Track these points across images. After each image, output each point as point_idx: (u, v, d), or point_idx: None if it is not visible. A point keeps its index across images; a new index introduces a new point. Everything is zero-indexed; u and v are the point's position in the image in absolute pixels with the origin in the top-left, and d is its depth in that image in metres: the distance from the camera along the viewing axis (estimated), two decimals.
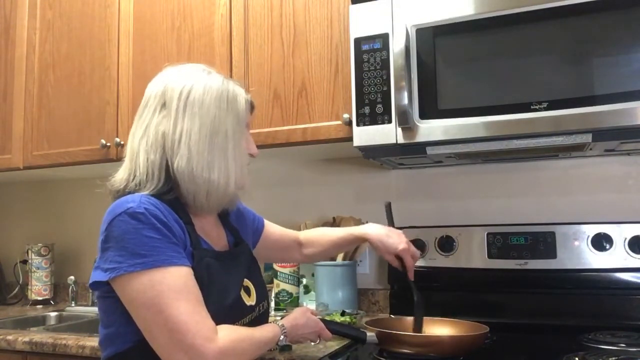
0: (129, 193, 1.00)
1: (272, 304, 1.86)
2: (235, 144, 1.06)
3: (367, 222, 1.85)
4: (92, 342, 1.53)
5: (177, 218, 1.00)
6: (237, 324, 1.03)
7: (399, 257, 1.35)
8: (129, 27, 1.98)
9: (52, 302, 2.40)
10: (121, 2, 2.00)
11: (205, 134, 1.03)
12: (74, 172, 2.30)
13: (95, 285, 0.96)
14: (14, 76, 2.19)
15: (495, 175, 1.82)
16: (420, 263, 1.61)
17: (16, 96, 2.17)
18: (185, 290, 0.92)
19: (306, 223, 1.92)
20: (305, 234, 1.47)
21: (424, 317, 1.36)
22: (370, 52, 1.51)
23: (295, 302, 1.93)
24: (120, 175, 1.05)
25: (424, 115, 1.45)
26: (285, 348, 1.31)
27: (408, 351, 1.24)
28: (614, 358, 1.19)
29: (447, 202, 1.87)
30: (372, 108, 1.50)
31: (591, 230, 1.56)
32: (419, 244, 1.68)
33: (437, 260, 1.69)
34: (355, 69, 1.53)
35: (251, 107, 1.16)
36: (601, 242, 1.54)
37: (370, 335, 1.28)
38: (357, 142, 1.52)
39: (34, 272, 2.36)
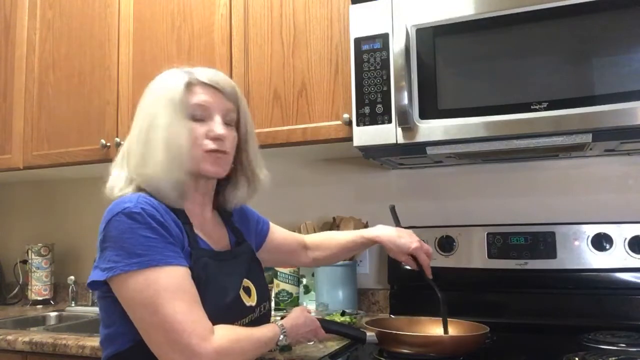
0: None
1: (272, 304, 1.86)
2: (172, 133, 1.01)
3: (367, 222, 1.87)
4: (92, 342, 1.53)
5: (174, 218, 1.00)
6: (236, 324, 1.02)
7: (412, 257, 1.34)
8: (129, 27, 1.98)
9: (52, 302, 2.40)
10: (121, 2, 2.00)
11: (140, 130, 1.05)
12: (74, 172, 2.30)
13: (93, 284, 0.96)
14: (14, 76, 2.19)
15: (495, 175, 1.82)
16: None
17: (16, 96, 2.17)
18: (181, 289, 0.92)
19: (306, 223, 1.92)
20: (312, 238, 1.45)
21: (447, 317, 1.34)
22: (370, 52, 1.51)
23: (295, 302, 1.93)
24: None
25: (424, 115, 1.45)
26: (285, 348, 1.30)
27: (408, 351, 1.24)
28: (614, 358, 1.19)
29: (447, 202, 1.87)
30: (372, 108, 1.50)
31: (591, 230, 1.56)
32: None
33: (437, 260, 1.69)
34: (355, 69, 1.53)
35: (204, 85, 1.06)
36: (601, 242, 1.54)
37: (370, 335, 1.28)
38: (357, 142, 1.52)
39: (34, 272, 2.36)
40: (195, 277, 0.97)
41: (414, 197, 1.91)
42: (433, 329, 1.36)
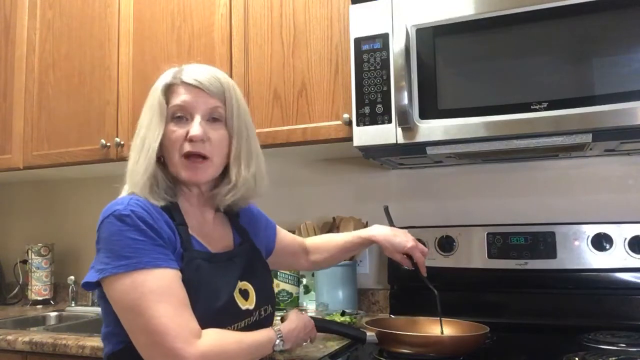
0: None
1: None
2: (148, 134, 1.02)
3: (367, 222, 1.87)
4: (92, 342, 1.53)
5: (167, 219, 1.00)
6: (230, 328, 1.01)
7: (408, 256, 1.34)
8: (129, 27, 1.98)
9: (52, 302, 2.40)
10: (121, 2, 2.00)
11: (137, 134, 1.05)
12: (74, 172, 2.30)
13: (87, 285, 0.97)
14: (14, 76, 2.19)
15: (495, 175, 1.82)
16: None
17: (16, 96, 2.17)
18: (167, 292, 0.91)
19: (306, 223, 1.92)
20: (312, 241, 1.44)
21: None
22: (370, 52, 1.51)
23: (295, 302, 1.93)
24: None
25: (424, 115, 1.45)
26: (283, 352, 1.29)
27: (408, 351, 1.24)
28: (614, 358, 1.19)
29: (447, 202, 1.87)
30: (372, 108, 1.50)
31: (591, 230, 1.56)
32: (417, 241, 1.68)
33: (437, 260, 1.69)
34: (355, 69, 1.53)
35: (186, 84, 1.04)
36: (601, 242, 1.54)
37: (370, 335, 1.28)
38: (357, 142, 1.52)
39: (34, 272, 2.36)
40: (187, 280, 0.96)
41: (414, 197, 1.91)
42: (433, 329, 1.36)
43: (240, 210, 1.20)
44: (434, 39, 1.45)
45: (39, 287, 2.36)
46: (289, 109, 1.72)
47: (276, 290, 1.90)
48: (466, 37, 1.43)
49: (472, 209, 1.83)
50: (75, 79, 2.08)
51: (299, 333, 1.11)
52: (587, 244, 1.55)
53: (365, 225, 1.86)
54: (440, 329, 1.32)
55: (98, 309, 2.11)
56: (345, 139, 1.60)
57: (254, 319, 1.08)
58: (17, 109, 2.17)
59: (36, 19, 2.18)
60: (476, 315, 1.42)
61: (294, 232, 1.88)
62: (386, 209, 1.44)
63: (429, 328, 1.37)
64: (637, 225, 1.53)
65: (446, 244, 1.70)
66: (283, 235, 1.36)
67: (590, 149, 1.52)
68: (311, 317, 1.23)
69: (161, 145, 1.02)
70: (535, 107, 1.34)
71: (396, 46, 1.43)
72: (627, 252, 1.52)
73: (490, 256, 1.65)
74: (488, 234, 1.66)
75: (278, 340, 1.04)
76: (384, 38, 1.50)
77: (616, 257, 1.52)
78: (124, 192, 1.04)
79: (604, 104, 1.28)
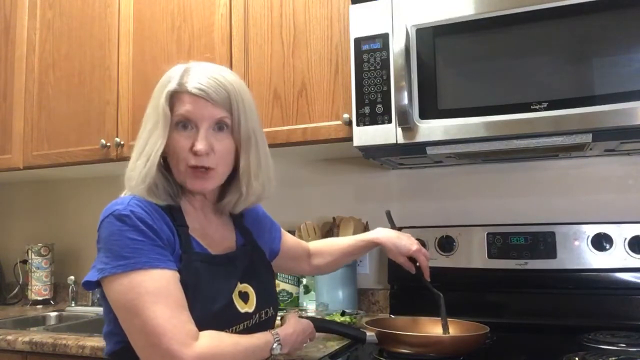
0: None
1: None
2: (151, 138, 1.00)
3: (367, 222, 1.87)
4: (92, 342, 1.53)
5: (168, 221, 0.99)
6: (228, 331, 1.00)
7: (411, 259, 1.34)
8: (129, 27, 1.98)
9: (52, 302, 2.40)
10: (121, 2, 2.00)
11: (140, 135, 1.04)
12: (74, 172, 2.30)
13: (87, 284, 0.97)
14: (14, 76, 2.19)
15: (495, 175, 1.82)
16: None
17: (16, 96, 2.18)
18: (165, 293, 0.91)
19: (306, 223, 1.92)
20: (314, 245, 1.42)
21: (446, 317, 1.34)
22: (370, 52, 1.51)
23: (295, 302, 1.93)
24: None
25: (424, 115, 1.45)
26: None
27: (408, 351, 1.24)
28: (614, 358, 1.19)
29: (447, 202, 1.87)
30: (372, 108, 1.50)
31: (591, 230, 1.56)
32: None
33: (437, 260, 1.69)
34: (355, 69, 1.53)
35: (191, 93, 1.00)
36: (601, 242, 1.54)
37: (370, 335, 1.28)
38: (357, 142, 1.52)
39: (34, 272, 2.36)
40: (185, 282, 0.95)
41: (414, 197, 1.91)
42: (433, 329, 1.36)
43: (245, 211, 1.18)
44: (434, 39, 1.45)
45: (39, 287, 2.36)
46: (289, 109, 1.72)
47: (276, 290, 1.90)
48: (466, 37, 1.43)
49: (472, 209, 1.83)
50: (75, 79, 2.08)
51: (297, 337, 1.10)
52: (587, 244, 1.55)
53: (365, 225, 1.86)
54: (446, 330, 1.31)
55: (98, 309, 2.13)
56: (345, 139, 1.60)
57: (254, 321, 1.07)
58: (17, 109, 2.17)
59: (36, 19, 2.18)
60: (476, 315, 1.42)
61: (294, 232, 1.88)
62: (388, 214, 1.44)
63: (429, 328, 1.37)
64: (637, 225, 1.53)
65: (446, 244, 1.70)
66: (287, 238, 1.35)
67: (590, 149, 1.52)
68: (311, 317, 1.23)
69: (165, 151, 1.01)
70: (535, 107, 1.34)
71: (396, 46, 1.43)
72: (627, 252, 1.52)
73: (490, 256, 1.65)
74: (488, 234, 1.66)
75: (276, 344, 1.03)
76: (384, 38, 1.50)
77: (616, 257, 1.52)
78: (125, 193, 1.04)
79: (604, 104, 1.28)
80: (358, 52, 1.53)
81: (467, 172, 1.85)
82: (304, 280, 1.92)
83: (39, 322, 2.11)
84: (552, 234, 1.59)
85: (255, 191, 1.08)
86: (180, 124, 1.00)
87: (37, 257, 2.37)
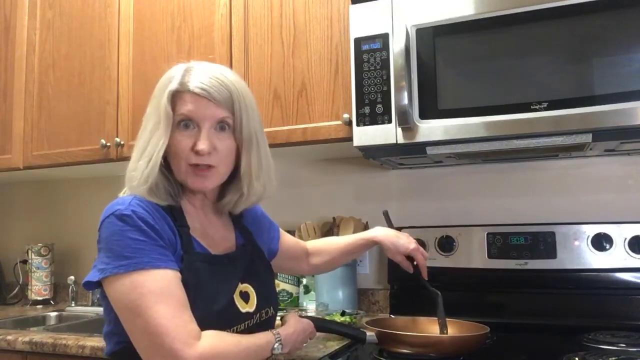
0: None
1: None
2: (153, 138, 0.99)
3: (367, 222, 1.87)
4: (92, 342, 1.53)
5: (169, 221, 0.99)
6: (230, 331, 1.00)
7: (409, 258, 1.35)
8: (129, 27, 1.98)
9: (52, 302, 2.40)
10: (121, 2, 2.00)
11: (140, 135, 1.04)
12: (74, 172, 2.30)
13: (87, 284, 0.97)
14: (14, 76, 2.19)
15: (495, 175, 1.82)
16: None
17: (16, 96, 2.18)
18: (167, 293, 0.91)
19: (306, 223, 1.92)
20: (313, 244, 1.42)
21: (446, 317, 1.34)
22: (370, 52, 1.51)
23: (295, 302, 1.93)
24: None
25: (424, 115, 1.45)
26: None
27: (408, 351, 1.24)
28: (614, 358, 1.19)
29: (447, 202, 1.87)
30: (372, 108, 1.50)
31: (591, 230, 1.56)
32: (419, 243, 1.67)
33: (437, 260, 1.69)
34: (355, 69, 1.53)
35: (193, 93, 1.00)
36: (601, 242, 1.54)
37: (370, 335, 1.28)
38: (357, 142, 1.52)
39: (34, 272, 2.36)
40: (186, 282, 0.95)
41: (414, 197, 1.91)
42: (433, 329, 1.36)
43: (245, 211, 1.18)
44: (434, 39, 1.45)
45: (39, 287, 2.36)
46: (289, 109, 1.72)
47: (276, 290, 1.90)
48: (466, 37, 1.43)
49: (472, 209, 1.83)
50: (75, 79, 2.08)
51: (297, 337, 1.10)
52: (587, 244, 1.55)
53: (365, 225, 1.86)
54: (443, 330, 1.31)
55: (98, 309, 2.13)
56: (345, 139, 1.60)
57: (255, 321, 1.07)
58: (17, 109, 2.17)
59: (36, 19, 2.18)
60: (476, 315, 1.42)
61: (294, 232, 1.89)
62: (386, 214, 1.44)
63: (429, 328, 1.37)
64: (637, 225, 1.53)
65: (446, 244, 1.70)
66: (286, 238, 1.35)
67: (590, 149, 1.52)
68: (311, 317, 1.23)
69: (165, 151, 1.00)
70: (535, 107, 1.34)
71: (396, 46, 1.43)
72: (627, 252, 1.52)
73: (490, 256, 1.65)
74: (488, 234, 1.66)
75: (277, 344, 1.03)
76: (384, 38, 1.50)
77: (616, 257, 1.52)
78: (123, 193, 1.04)
79: (604, 104, 1.28)
80: (358, 52, 1.53)
81: (467, 172, 1.85)
82: (304, 280, 1.92)
83: (39, 322, 2.11)
84: (552, 234, 1.59)
85: (257, 191, 1.09)
86: (182, 123, 1.00)
87: (37, 257, 2.37)
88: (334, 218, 1.92)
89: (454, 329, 1.34)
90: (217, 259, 1.05)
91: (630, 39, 1.28)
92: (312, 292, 1.88)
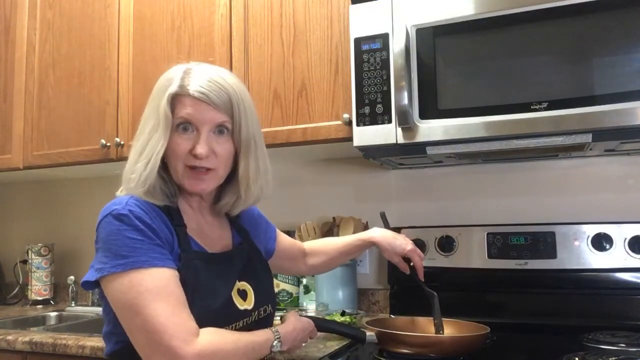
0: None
1: None
2: (151, 140, 0.99)
3: (367, 222, 1.87)
4: (92, 342, 1.53)
5: (166, 220, 1.00)
6: (228, 329, 1.00)
7: (405, 259, 1.35)
8: (129, 27, 1.98)
9: (52, 302, 2.40)
10: (121, 2, 2.00)
11: (137, 137, 1.03)
12: (74, 172, 2.30)
13: (86, 284, 0.97)
14: (14, 76, 2.19)
15: (495, 175, 1.82)
16: None
17: (16, 96, 2.18)
18: (165, 291, 0.91)
19: (306, 223, 1.92)
20: (310, 244, 1.43)
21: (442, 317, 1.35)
22: (370, 52, 1.51)
23: (295, 302, 1.93)
24: None
25: (424, 115, 1.45)
26: (282, 353, 1.29)
27: (408, 351, 1.24)
28: (614, 358, 1.19)
29: (447, 202, 1.87)
30: (372, 108, 1.50)
31: (591, 230, 1.56)
32: (418, 244, 1.68)
33: (437, 260, 1.69)
34: (355, 69, 1.53)
35: (192, 97, 0.99)
36: (601, 242, 1.54)
37: (370, 335, 1.28)
38: (357, 142, 1.52)
39: (34, 272, 2.36)
40: (184, 280, 0.96)
41: (414, 197, 1.91)
42: (433, 329, 1.36)
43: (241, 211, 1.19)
44: (434, 39, 1.45)
45: (39, 287, 2.36)
46: (289, 109, 1.72)
47: (276, 290, 1.90)
48: (466, 37, 1.43)
49: (472, 209, 1.83)
50: (75, 79, 2.08)
51: (297, 335, 1.10)
52: (587, 244, 1.55)
53: (365, 225, 1.86)
54: (439, 330, 1.31)
55: (98, 309, 2.12)
56: (345, 139, 1.60)
57: (253, 319, 1.08)
58: (17, 109, 2.17)
59: (36, 19, 2.18)
60: (476, 315, 1.42)
61: (294, 232, 1.89)
62: (382, 215, 1.45)
63: (429, 328, 1.37)
64: (637, 225, 1.53)
65: (446, 244, 1.70)
66: (283, 238, 1.36)
67: (590, 149, 1.52)
68: (311, 317, 1.23)
69: (164, 153, 1.00)
70: (535, 107, 1.34)
71: (396, 46, 1.43)
72: (627, 252, 1.52)
73: (490, 256, 1.65)
74: (488, 234, 1.66)
75: (276, 342, 1.03)
76: (384, 38, 1.50)
77: (616, 257, 1.52)
78: (120, 192, 1.04)
79: (604, 104, 1.28)
80: (358, 52, 1.53)
81: (467, 172, 1.85)
82: (304, 280, 1.92)
83: (39, 322, 2.11)
84: (552, 234, 1.59)
85: (254, 194, 1.10)
86: (181, 126, 1.00)
87: (37, 257, 2.37)
88: (334, 218, 1.92)
89: (454, 329, 1.34)
90: (215, 257, 1.06)
91: (630, 39, 1.28)
92: (312, 292, 1.88)
